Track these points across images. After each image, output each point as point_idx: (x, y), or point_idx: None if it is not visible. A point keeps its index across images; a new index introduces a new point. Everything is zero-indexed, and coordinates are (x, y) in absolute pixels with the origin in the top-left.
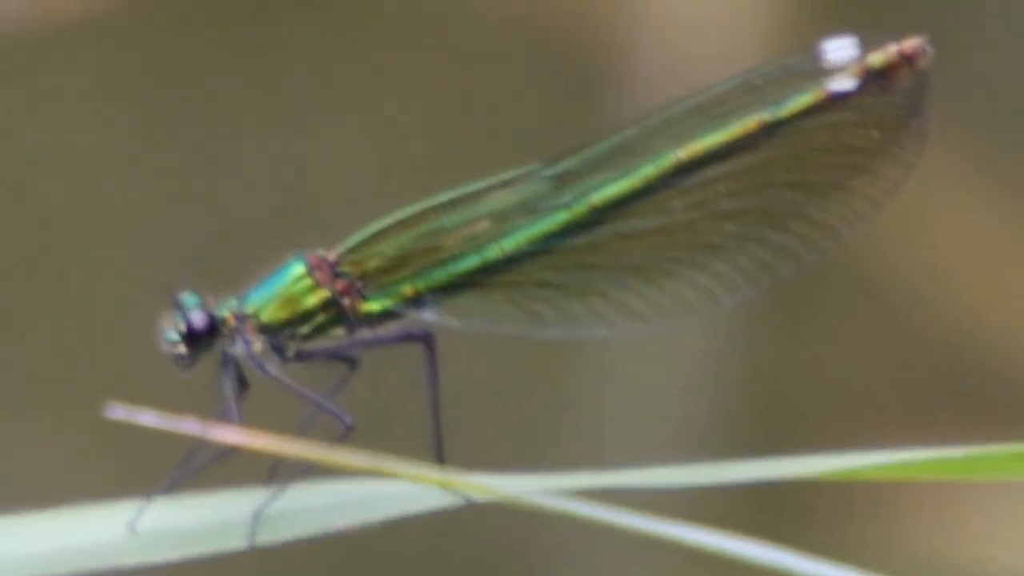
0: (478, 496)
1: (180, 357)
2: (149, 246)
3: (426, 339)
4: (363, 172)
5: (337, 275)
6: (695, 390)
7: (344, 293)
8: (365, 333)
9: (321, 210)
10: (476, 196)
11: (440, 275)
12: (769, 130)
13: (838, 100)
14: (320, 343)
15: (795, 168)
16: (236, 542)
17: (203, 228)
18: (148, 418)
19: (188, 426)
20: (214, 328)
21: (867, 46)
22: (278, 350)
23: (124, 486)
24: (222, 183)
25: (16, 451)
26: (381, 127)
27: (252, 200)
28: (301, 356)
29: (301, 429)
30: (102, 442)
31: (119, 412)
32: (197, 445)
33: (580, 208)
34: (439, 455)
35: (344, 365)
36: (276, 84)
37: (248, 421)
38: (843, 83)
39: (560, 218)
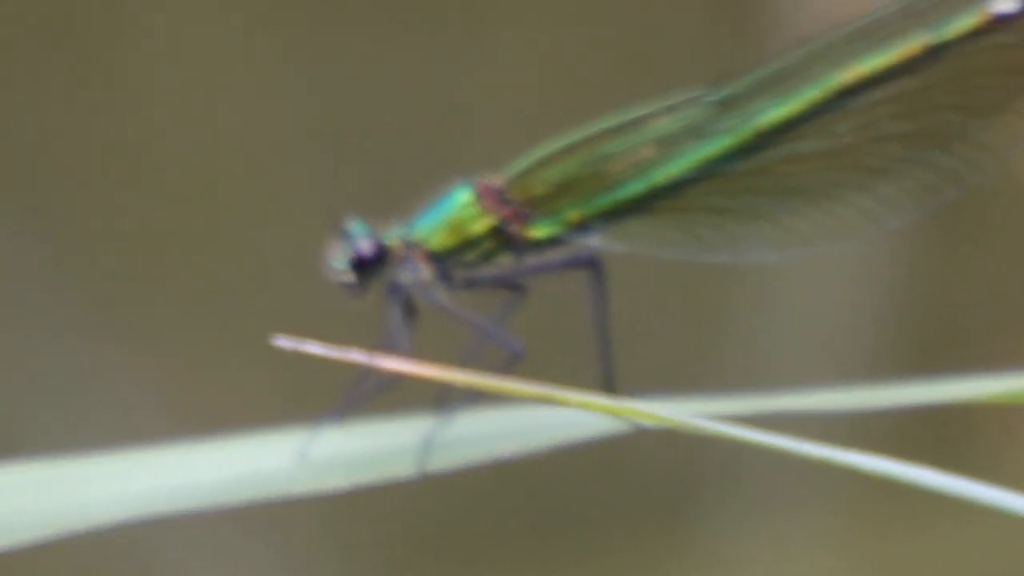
0: (647, 423)
1: (348, 285)
2: (308, 176)
3: (594, 264)
4: (521, 98)
5: (503, 201)
6: (860, 313)
7: (510, 219)
8: (532, 259)
9: (479, 138)
10: (640, 121)
11: (606, 201)
12: (932, 53)
13: (1001, 22)
14: (487, 269)
15: (958, 90)
16: (406, 469)
17: (363, 157)
18: (315, 348)
19: (355, 355)
20: (382, 255)
21: None
22: (445, 277)
23: (295, 416)
24: (377, 112)
25: (187, 382)
26: (537, 52)
27: (410, 129)
28: (468, 283)
29: (469, 356)
30: (272, 373)
31: (286, 342)
32: (365, 374)
33: (744, 132)
34: (609, 383)
35: (511, 291)
36: (429, 9)
37: (416, 349)
38: (1006, 4)
39: (724, 142)
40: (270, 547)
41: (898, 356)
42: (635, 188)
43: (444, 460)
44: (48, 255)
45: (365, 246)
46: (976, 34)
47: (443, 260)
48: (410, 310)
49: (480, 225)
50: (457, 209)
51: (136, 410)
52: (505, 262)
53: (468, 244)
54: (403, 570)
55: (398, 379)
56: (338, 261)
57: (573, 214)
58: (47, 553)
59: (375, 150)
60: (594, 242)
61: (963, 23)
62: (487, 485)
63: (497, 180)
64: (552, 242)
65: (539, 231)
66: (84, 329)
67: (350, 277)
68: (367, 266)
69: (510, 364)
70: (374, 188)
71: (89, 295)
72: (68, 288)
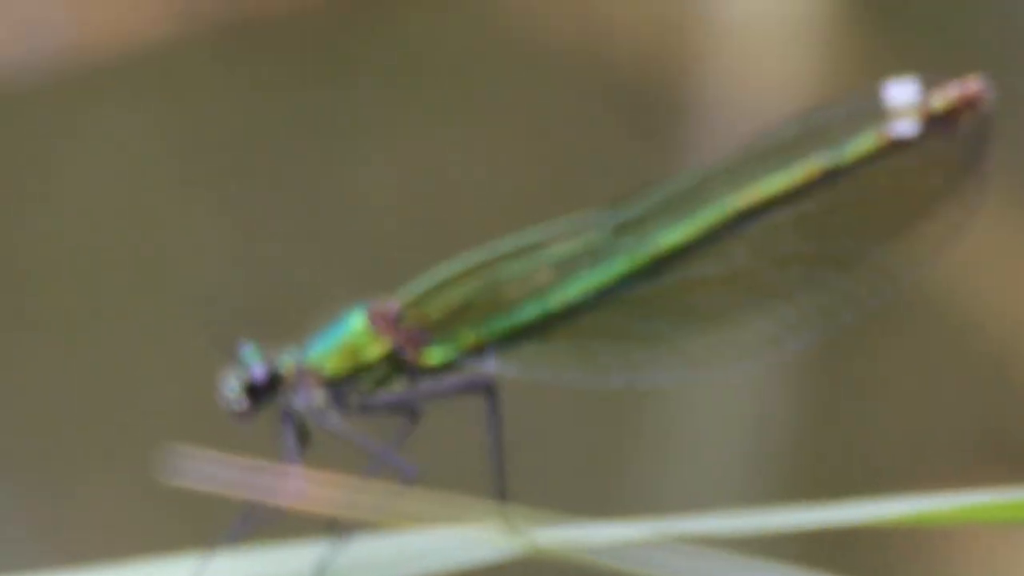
0: (541, 546)
1: (240, 410)
2: (204, 291)
3: (490, 389)
4: (423, 207)
5: (398, 326)
6: (759, 436)
7: (405, 345)
8: (427, 383)
9: (370, 249)
10: (537, 244)
11: (502, 325)
12: (830, 176)
13: (900, 145)
14: (382, 394)
15: (856, 212)
16: None
17: (260, 271)
18: (206, 470)
19: (248, 478)
20: (275, 381)
21: (926, 85)
22: (340, 402)
23: (185, 540)
24: (281, 218)
25: (75, 507)
26: (441, 160)
27: (300, 234)
28: (363, 408)
29: (364, 480)
30: (163, 495)
31: (177, 464)
32: (257, 499)
33: (640, 256)
34: (503, 505)
35: (406, 416)
36: (333, 113)
37: (310, 474)
38: (905, 127)
39: (620, 267)
40: None
41: (791, 480)
42: (531, 312)
43: None
44: None
45: (258, 372)
46: (875, 157)
47: (337, 385)
48: (303, 435)
49: (374, 351)
50: (351, 335)
51: (22, 540)
52: (400, 387)
53: (362, 369)
54: None
55: (294, 503)
56: (231, 388)
57: (469, 338)
58: None
59: (273, 262)
60: (490, 367)
61: (862, 145)
62: None
63: (391, 304)
64: (448, 366)
65: (434, 356)
66: None
67: (243, 404)
68: (260, 392)
69: (405, 487)
70: (278, 303)
71: None
72: None
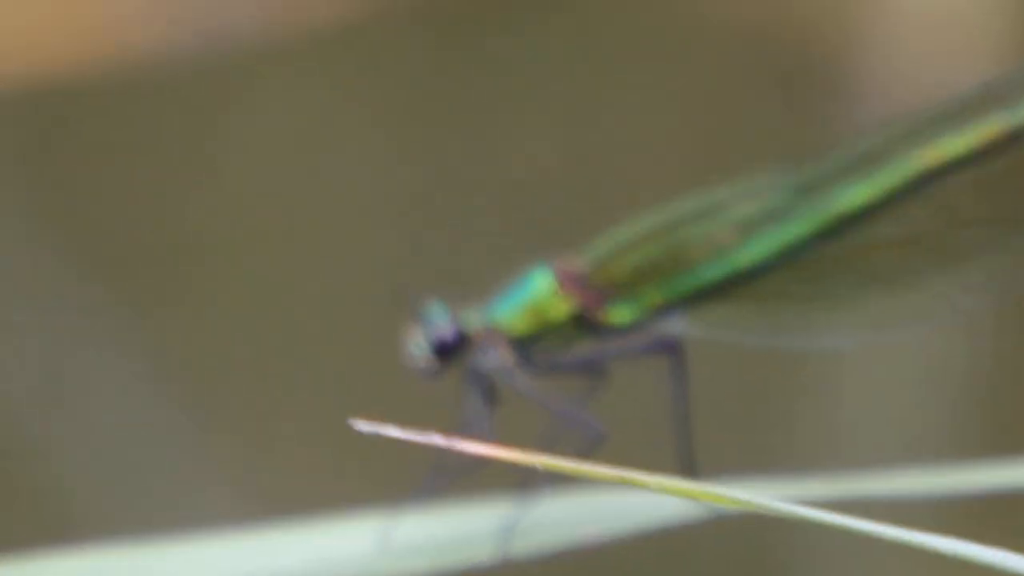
0: (727, 507)
1: (428, 370)
2: (401, 257)
3: (675, 349)
4: (594, 181)
5: (584, 285)
6: (936, 396)
7: (591, 305)
8: (613, 344)
9: (553, 219)
10: (720, 205)
11: (686, 285)
12: (1011, 136)
13: None
14: (568, 354)
15: None
16: (487, 554)
17: (444, 239)
18: (394, 431)
19: (435, 439)
20: (462, 341)
21: None
22: (526, 362)
23: (376, 500)
24: (456, 194)
25: (266, 465)
26: (606, 135)
27: (485, 207)
28: (549, 368)
29: (551, 440)
30: (352, 456)
31: (366, 426)
32: (445, 458)
33: (823, 217)
34: (690, 468)
35: (592, 376)
36: (502, 93)
37: (497, 434)
38: None
39: (803, 227)
40: None
41: (972, 440)
42: (715, 273)
43: (525, 545)
44: (129, 332)
45: (446, 332)
46: None
47: (523, 345)
48: (491, 395)
49: (561, 311)
50: (538, 294)
51: (214, 492)
52: (586, 347)
53: (549, 330)
54: None
55: (478, 464)
56: (418, 346)
57: (654, 298)
58: None
59: (455, 231)
60: (675, 327)
61: None
62: (568, 571)
63: (577, 264)
64: (633, 327)
65: (620, 316)
66: (163, 408)
67: (430, 362)
68: (447, 352)
69: (591, 448)
70: (458, 269)
71: (168, 373)
72: (147, 367)
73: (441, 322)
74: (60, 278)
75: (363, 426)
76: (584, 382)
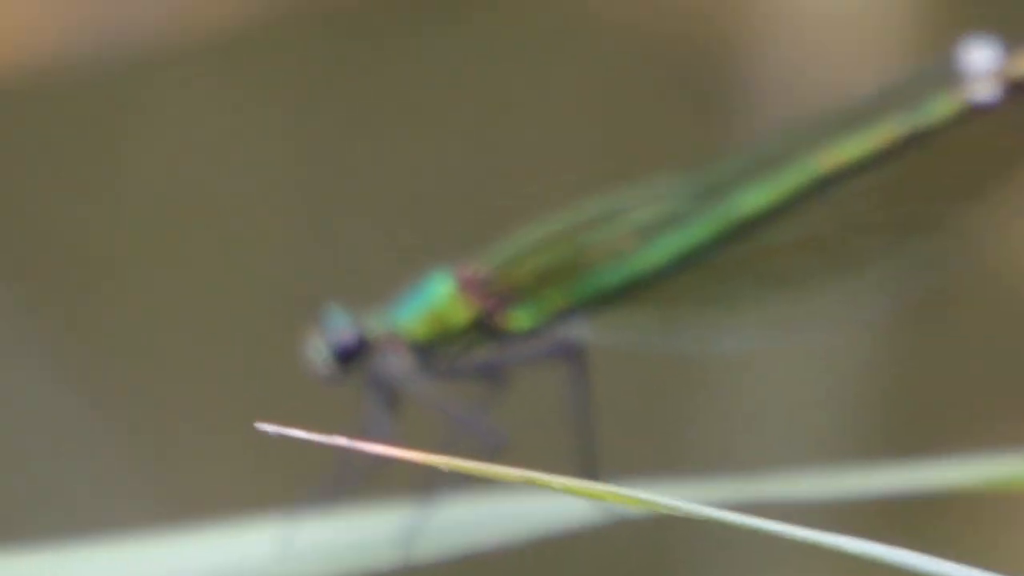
0: (630, 508)
1: (329, 375)
2: (303, 261)
3: (577, 354)
4: (497, 185)
5: (486, 290)
6: (835, 395)
7: (493, 309)
8: (514, 349)
9: (455, 223)
10: (619, 209)
11: (587, 288)
12: (909, 142)
13: (979, 112)
14: (469, 360)
15: (934, 178)
16: (388, 558)
17: (347, 243)
18: (297, 433)
19: (339, 440)
20: (363, 346)
21: (1009, 48)
22: (427, 368)
23: (279, 504)
24: (359, 198)
25: (170, 468)
26: (510, 139)
27: (388, 211)
28: (450, 374)
29: (451, 445)
30: (255, 460)
31: (270, 428)
32: (347, 462)
33: (723, 221)
34: (592, 471)
35: (494, 382)
36: (404, 95)
37: (397, 440)
38: (985, 93)
39: (702, 231)
40: None
41: (875, 441)
42: (615, 277)
43: (427, 549)
44: (32, 333)
45: (346, 337)
46: (954, 122)
47: (424, 351)
48: (392, 400)
49: (461, 316)
50: (438, 300)
51: (117, 494)
52: (487, 352)
53: (449, 335)
54: None
55: (379, 467)
56: (319, 352)
57: (555, 303)
58: None
59: (371, 227)
60: (576, 332)
61: (940, 112)
62: (471, 574)
63: (477, 269)
64: (534, 332)
65: (521, 321)
66: (69, 405)
67: (331, 368)
68: (348, 357)
69: (493, 453)
70: (364, 276)
71: (72, 375)
72: (50, 369)
73: (341, 327)
74: None
75: (267, 428)
76: (486, 387)
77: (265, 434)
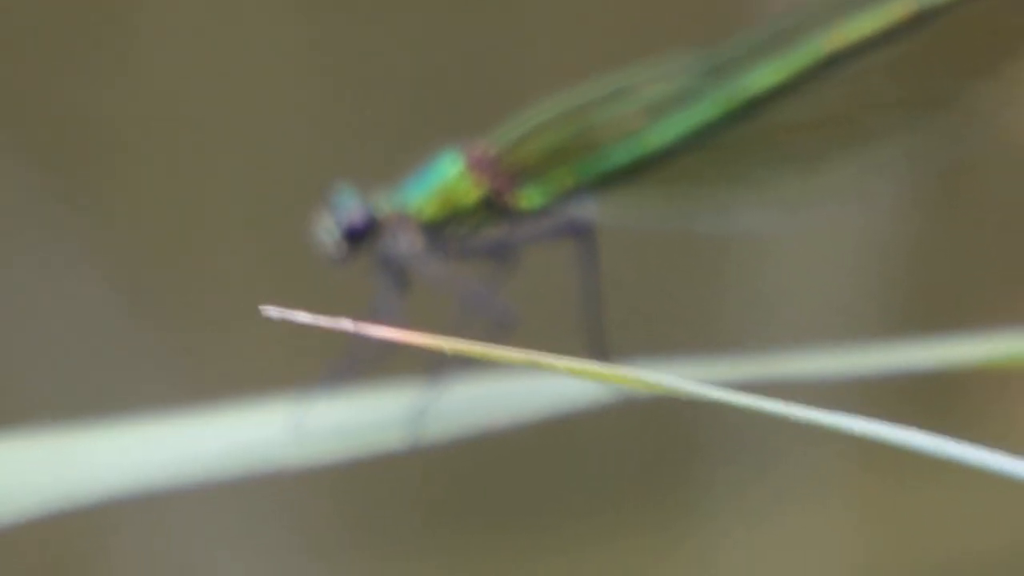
0: (638, 389)
1: (338, 256)
2: (314, 142)
3: (586, 232)
4: (506, 63)
5: (496, 169)
6: (857, 276)
7: (501, 188)
8: (523, 227)
9: (465, 102)
10: (629, 87)
11: (597, 168)
12: (921, 18)
13: None
14: (478, 239)
15: (949, 55)
16: (398, 440)
17: (357, 123)
18: (304, 317)
19: (344, 324)
20: (372, 226)
21: None
22: (436, 247)
23: (287, 387)
24: (368, 78)
25: (175, 353)
26: (518, 18)
27: (397, 91)
28: (460, 253)
29: (461, 325)
30: (262, 343)
31: (275, 312)
32: (356, 344)
33: (734, 99)
34: (602, 352)
35: (503, 260)
36: None
37: (407, 320)
38: None
39: (714, 109)
40: (264, 518)
41: (896, 320)
42: (624, 155)
43: (436, 431)
44: (68, 220)
45: (355, 217)
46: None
47: (434, 230)
48: (401, 281)
49: (471, 195)
50: (447, 179)
51: (135, 375)
52: (496, 231)
53: (459, 214)
54: (395, 541)
55: (389, 349)
56: (328, 232)
57: (564, 181)
58: (39, 528)
59: (388, 108)
60: (586, 210)
61: None
62: (480, 456)
63: (486, 148)
64: (544, 211)
65: (530, 199)
66: (92, 293)
67: (340, 248)
68: (357, 237)
69: (503, 333)
70: (382, 146)
71: (93, 259)
72: (74, 253)
73: (351, 207)
74: None
75: (273, 312)
76: (495, 267)
77: (272, 318)
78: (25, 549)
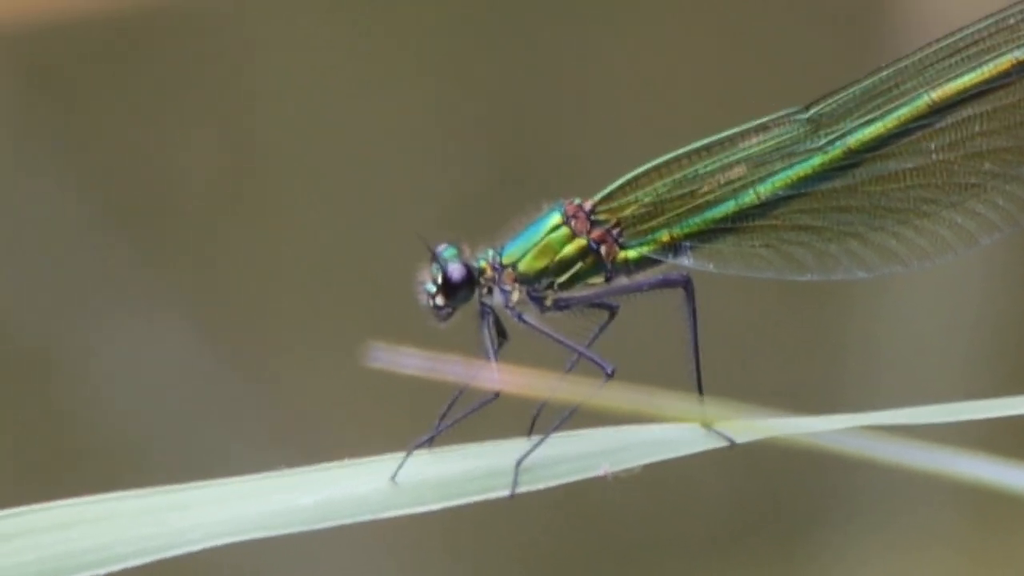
0: (740, 435)
1: (438, 308)
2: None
3: (685, 284)
4: (620, 116)
5: (593, 223)
6: (971, 327)
7: (601, 241)
8: (623, 280)
9: (574, 148)
10: (731, 141)
11: (696, 221)
12: (1021, 69)
13: None
14: (578, 291)
15: None
16: (498, 491)
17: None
18: (409, 361)
19: (450, 369)
20: (472, 278)
21: None
22: (536, 300)
23: (387, 439)
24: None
25: (281, 400)
26: (642, 61)
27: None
28: (559, 305)
29: (561, 377)
30: (367, 392)
31: (382, 357)
32: (458, 396)
33: (835, 151)
34: (703, 399)
35: (603, 312)
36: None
37: (507, 369)
38: None
39: (816, 161)
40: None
41: (1013, 368)
42: (725, 208)
43: (536, 480)
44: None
45: (455, 269)
46: None
47: (534, 282)
48: (501, 333)
49: (571, 247)
50: (547, 231)
51: (240, 433)
52: (597, 283)
53: (558, 266)
54: None
55: (492, 397)
56: (428, 284)
57: (664, 235)
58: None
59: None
60: (686, 262)
61: None
62: (593, 508)
63: (587, 202)
64: (643, 262)
65: (630, 252)
66: (196, 348)
67: (439, 300)
68: (456, 289)
69: (603, 384)
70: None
71: (202, 312)
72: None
73: (451, 260)
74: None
75: (380, 356)
76: (595, 319)
77: (377, 364)
78: None
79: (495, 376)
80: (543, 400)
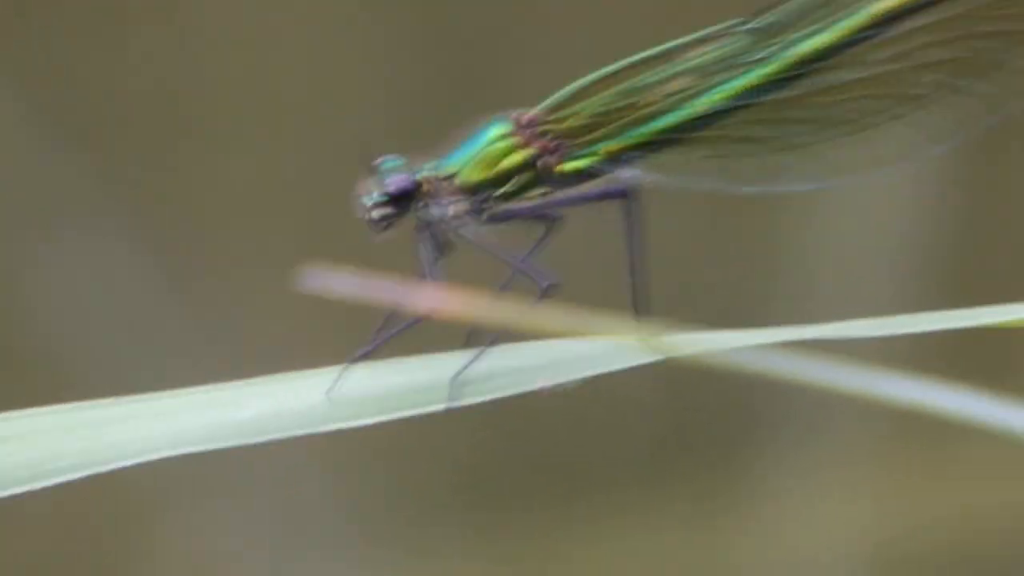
0: (676, 354)
1: (378, 220)
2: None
3: (627, 195)
4: (559, 34)
5: (536, 134)
6: (897, 241)
7: (544, 152)
8: (566, 191)
9: (511, 73)
10: (675, 53)
11: (640, 133)
12: None
13: None
14: (520, 203)
15: (995, 17)
16: (435, 403)
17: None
18: (344, 285)
19: (386, 290)
20: (413, 190)
21: None
22: (477, 212)
23: (322, 354)
24: (416, 50)
25: (214, 320)
26: None
27: (441, 63)
28: (500, 217)
29: (501, 290)
30: (300, 309)
31: (315, 278)
32: (395, 311)
33: (781, 62)
34: (641, 314)
35: (545, 224)
36: None
37: (447, 284)
38: None
39: (761, 72)
40: (302, 479)
41: (941, 286)
42: (669, 119)
43: (473, 394)
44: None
45: (397, 181)
46: None
47: (475, 194)
48: (442, 245)
49: (513, 158)
50: (490, 142)
51: (178, 339)
52: (539, 195)
53: (501, 177)
54: (434, 505)
55: (429, 314)
56: (369, 197)
57: (608, 147)
58: (75, 493)
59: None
60: (629, 174)
61: None
62: (525, 423)
63: (531, 113)
64: (587, 174)
65: (573, 164)
66: (135, 259)
67: (380, 211)
68: (397, 201)
69: (545, 296)
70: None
71: (140, 223)
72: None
73: (392, 173)
74: (40, 135)
75: (314, 278)
76: (539, 230)
77: (310, 285)
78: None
79: (432, 295)
80: (479, 319)
